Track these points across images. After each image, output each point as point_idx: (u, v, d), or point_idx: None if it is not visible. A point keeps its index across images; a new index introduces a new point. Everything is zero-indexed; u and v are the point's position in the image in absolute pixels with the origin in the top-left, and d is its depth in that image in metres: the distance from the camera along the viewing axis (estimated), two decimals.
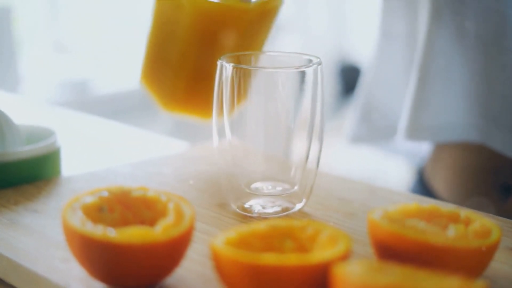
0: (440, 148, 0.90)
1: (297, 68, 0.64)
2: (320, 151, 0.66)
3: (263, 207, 0.66)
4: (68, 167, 0.79)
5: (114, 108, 2.71)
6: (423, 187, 0.93)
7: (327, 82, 3.30)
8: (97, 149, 0.99)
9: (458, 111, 0.81)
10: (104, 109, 2.62)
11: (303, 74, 0.64)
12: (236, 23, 0.72)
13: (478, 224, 0.53)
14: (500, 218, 0.65)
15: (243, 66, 0.64)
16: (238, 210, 0.66)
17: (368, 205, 0.68)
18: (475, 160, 0.85)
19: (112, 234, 0.49)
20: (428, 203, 0.62)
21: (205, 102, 0.77)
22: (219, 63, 0.64)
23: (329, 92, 3.16)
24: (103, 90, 2.82)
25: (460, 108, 0.81)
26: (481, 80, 0.79)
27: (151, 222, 0.54)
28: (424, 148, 0.97)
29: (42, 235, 0.60)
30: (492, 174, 0.84)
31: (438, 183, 0.90)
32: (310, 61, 0.65)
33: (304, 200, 0.67)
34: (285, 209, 0.66)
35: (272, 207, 0.66)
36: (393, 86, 0.91)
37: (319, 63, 0.64)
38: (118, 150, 0.99)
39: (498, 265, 0.56)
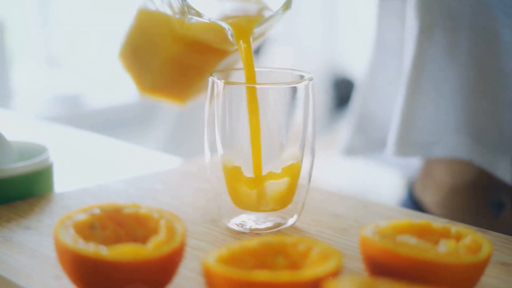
0: (430, 164, 0.90)
1: (288, 84, 0.64)
2: (311, 166, 0.66)
3: (255, 223, 0.66)
4: (61, 183, 0.79)
5: (106, 122, 2.71)
6: (413, 202, 0.93)
7: (319, 95, 3.28)
8: (90, 164, 1.00)
9: (447, 128, 0.81)
10: (96, 123, 2.62)
11: (294, 90, 0.64)
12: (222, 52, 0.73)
13: (469, 239, 0.53)
14: (492, 232, 0.65)
15: (234, 82, 0.64)
16: (230, 226, 0.66)
17: (360, 221, 0.68)
18: (465, 176, 0.85)
19: (103, 251, 0.49)
20: (420, 218, 0.63)
21: (183, 90, 0.77)
22: (210, 79, 0.64)
23: (322, 105, 3.16)
24: (96, 104, 2.82)
25: (449, 125, 0.81)
26: (471, 97, 0.79)
27: (143, 239, 0.54)
28: (415, 161, 0.97)
29: (35, 252, 0.60)
30: (483, 190, 0.84)
31: (429, 199, 0.90)
32: (302, 77, 0.65)
33: (296, 216, 0.67)
34: (277, 225, 0.66)
35: (264, 222, 0.66)
36: (388, 97, 0.91)
37: (311, 79, 0.64)
38: (111, 166, 0.99)
39: (489, 280, 0.56)
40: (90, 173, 0.94)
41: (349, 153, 0.95)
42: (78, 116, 2.65)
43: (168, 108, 2.45)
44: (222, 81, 0.63)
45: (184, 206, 0.72)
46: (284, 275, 0.46)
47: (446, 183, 0.88)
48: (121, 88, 2.87)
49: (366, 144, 0.94)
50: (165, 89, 0.78)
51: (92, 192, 0.76)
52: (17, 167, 0.72)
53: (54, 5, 2.71)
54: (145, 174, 0.82)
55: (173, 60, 0.74)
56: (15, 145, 0.77)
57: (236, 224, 0.66)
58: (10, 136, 0.76)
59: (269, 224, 0.66)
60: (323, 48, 3.30)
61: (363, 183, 2.58)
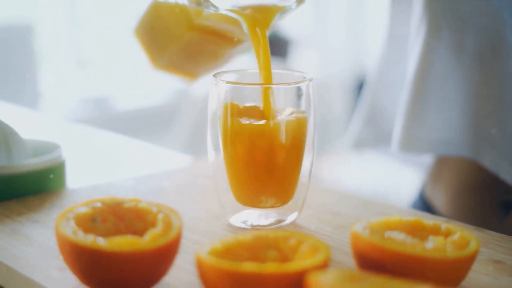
0: (438, 165, 0.91)
1: (289, 84, 0.66)
2: (312, 164, 0.68)
3: (257, 219, 0.68)
4: (76, 180, 0.81)
5: (136, 124, 2.74)
6: (423, 203, 0.94)
7: (344, 97, 3.25)
8: (104, 163, 1.02)
9: (452, 127, 0.82)
10: (125, 125, 2.65)
11: (295, 90, 0.66)
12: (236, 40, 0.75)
13: (458, 235, 0.54)
14: (487, 231, 0.66)
15: (237, 82, 0.66)
16: (232, 222, 0.68)
17: (360, 219, 0.69)
18: (473, 177, 0.86)
19: (101, 242, 0.51)
20: (418, 216, 0.64)
21: (195, 69, 0.80)
22: (213, 79, 0.66)
23: (347, 107, 3.17)
24: (124, 106, 2.85)
25: (454, 124, 0.82)
26: (475, 98, 0.80)
27: (142, 232, 0.56)
28: (428, 159, 0.98)
29: (41, 245, 0.62)
30: (490, 191, 0.85)
31: (438, 199, 0.91)
32: (303, 77, 0.67)
33: (296, 213, 0.68)
34: (278, 221, 0.68)
35: (266, 219, 0.68)
36: (397, 91, 0.92)
37: (311, 79, 0.66)
38: (125, 164, 1.01)
39: (480, 276, 0.57)
40: (105, 171, 0.97)
41: (357, 146, 0.96)
42: (106, 118, 2.69)
43: (189, 110, 2.48)
44: (225, 81, 0.65)
45: (189, 203, 0.74)
46: (270, 267, 0.48)
47: (454, 184, 0.89)
48: (149, 90, 2.90)
49: (374, 136, 0.95)
50: (177, 68, 0.81)
51: (101, 188, 0.78)
52: (30, 163, 0.74)
53: (83, 7, 2.75)
54: (155, 172, 0.84)
55: (187, 46, 0.76)
56: (29, 143, 0.79)
57: (238, 220, 0.68)
58: (29, 135, 0.78)
59: (270, 221, 0.68)
60: (349, 51, 3.30)
61: (381, 184, 2.58)
